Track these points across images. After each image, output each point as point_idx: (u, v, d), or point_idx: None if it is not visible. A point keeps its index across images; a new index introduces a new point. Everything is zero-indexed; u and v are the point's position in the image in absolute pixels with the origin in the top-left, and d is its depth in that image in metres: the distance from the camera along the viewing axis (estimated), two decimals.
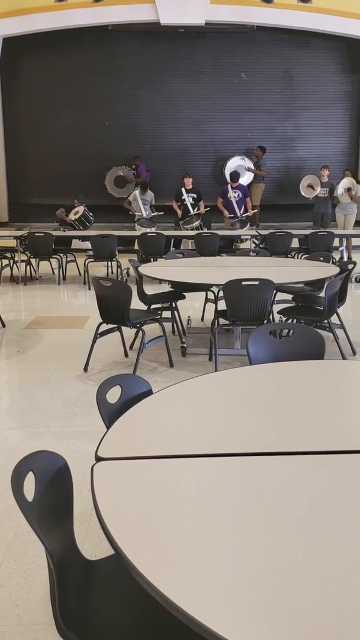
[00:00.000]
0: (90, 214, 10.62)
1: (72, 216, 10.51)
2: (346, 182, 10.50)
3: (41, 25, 11.95)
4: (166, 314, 5.70)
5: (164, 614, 1.23)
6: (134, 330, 5.16)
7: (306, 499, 1.57)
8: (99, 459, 1.78)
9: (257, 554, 1.35)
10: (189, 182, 10.73)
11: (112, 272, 9.63)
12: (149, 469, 1.75)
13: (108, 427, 2.02)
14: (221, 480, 1.68)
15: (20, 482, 1.55)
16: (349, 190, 10.37)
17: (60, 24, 11.97)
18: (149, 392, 2.33)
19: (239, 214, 10.64)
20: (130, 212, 11.15)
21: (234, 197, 10.68)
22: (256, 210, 11.40)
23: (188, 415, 2.15)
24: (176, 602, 1.19)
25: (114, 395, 2.23)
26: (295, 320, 5.08)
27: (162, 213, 10.83)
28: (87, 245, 9.30)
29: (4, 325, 6.50)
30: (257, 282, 4.67)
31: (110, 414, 2.13)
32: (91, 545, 2.61)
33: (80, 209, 10.57)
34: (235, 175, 10.98)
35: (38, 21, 11.89)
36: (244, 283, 4.67)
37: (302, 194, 11.39)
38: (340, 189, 10.47)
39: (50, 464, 1.71)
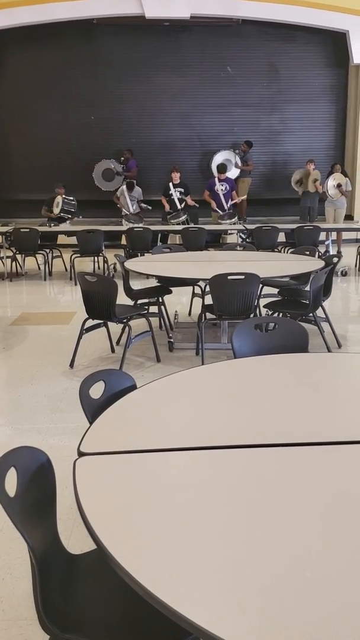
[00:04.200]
0: (70, 198, 10.61)
1: (55, 210, 10.52)
2: (336, 177, 10.52)
3: (24, 19, 11.84)
4: (153, 309, 5.70)
5: (147, 607, 1.23)
6: (121, 325, 5.15)
7: (290, 490, 1.58)
8: (81, 454, 1.78)
9: (239, 546, 1.36)
10: (176, 176, 10.71)
11: (99, 268, 9.61)
12: (132, 463, 1.75)
13: (91, 423, 2.02)
14: (205, 473, 1.69)
15: (1, 477, 1.55)
16: (339, 186, 10.41)
17: (43, 18, 11.87)
18: (132, 387, 2.33)
19: (226, 207, 10.64)
20: (118, 206, 11.15)
21: (221, 190, 10.68)
22: (243, 199, 11.39)
23: (172, 409, 2.15)
24: (158, 595, 1.20)
25: (99, 390, 2.23)
26: (281, 314, 5.10)
27: (150, 208, 10.82)
28: (73, 240, 9.26)
29: None
30: (243, 277, 4.68)
31: (94, 410, 2.13)
32: (77, 540, 2.61)
33: (59, 199, 10.58)
34: (222, 167, 10.97)
35: (20, 15, 11.78)
36: (230, 277, 4.68)
37: (294, 188, 11.29)
38: (330, 186, 10.49)
39: (32, 460, 1.71)
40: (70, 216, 10.53)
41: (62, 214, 10.52)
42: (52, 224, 10.18)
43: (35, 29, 12.25)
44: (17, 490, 1.60)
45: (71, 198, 10.68)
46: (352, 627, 1.11)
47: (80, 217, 10.69)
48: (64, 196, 10.64)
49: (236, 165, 12.89)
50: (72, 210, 10.59)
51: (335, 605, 1.17)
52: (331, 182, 10.48)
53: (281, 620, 1.13)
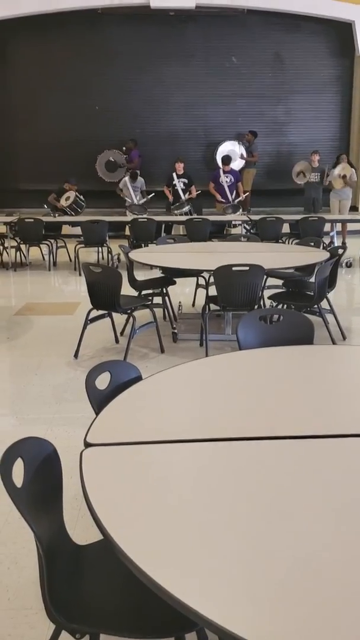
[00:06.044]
0: (82, 198, 10.55)
1: (63, 202, 10.44)
2: (341, 167, 10.47)
3: (29, 8, 11.78)
4: (157, 299, 5.70)
5: (153, 597, 1.23)
6: (125, 316, 5.15)
7: (295, 482, 1.59)
8: (87, 444, 1.78)
9: (246, 537, 1.36)
10: (180, 167, 10.67)
11: (103, 258, 9.61)
12: (138, 454, 1.75)
13: (97, 413, 2.02)
14: (210, 465, 1.69)
15: (8, 468, 1.55)
16: (343, 177, 10.37)
17: (48, 8, 11.81)
18: (138, 378, 2.33)
19: (230, 199, 10.62)
20: (122, 196, 11.12)
21: (226, 181, 10.65)
22: (247, 194, 11.37)
23: (178, 400, 2.16)
24: (164, 586, 1.20)
25: (104, 381, 2.23)
26: (285, 306, 5.09)
27: (153, 194, 10.78)
28: (77, 230, 9.24)
29: None
30: (247, 268, 4.67)
31: (100, 400, 2.13)
32: (82, 531, 2.62)
33: (72, 194, 10.50)
34: (227, 159, 10.93)
35: (25, 5, 11.71)
36: (234, 268, 4.67)
37: (295, 180, 11.33)
38: (335, 174, 10.45)
39: (39, 450, 1.71)
40: (74, 213, 10.45)
41: (67, 208, 10.44)
42: (57, 214, 10.14)
43: (40, 18, 12.19)
44: (24, 480, 1.60)
45: (83, 198, 10.57)
46: (356, 616, 1.12)
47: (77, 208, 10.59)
48: (77, 193, 10.54)
49: (241, 157, 12.84)
50: (79, 210, 10.50)
51: (340, 595, 1.17)
52: (337, 170, 10.43)
53: (287, 611, 1.14)
